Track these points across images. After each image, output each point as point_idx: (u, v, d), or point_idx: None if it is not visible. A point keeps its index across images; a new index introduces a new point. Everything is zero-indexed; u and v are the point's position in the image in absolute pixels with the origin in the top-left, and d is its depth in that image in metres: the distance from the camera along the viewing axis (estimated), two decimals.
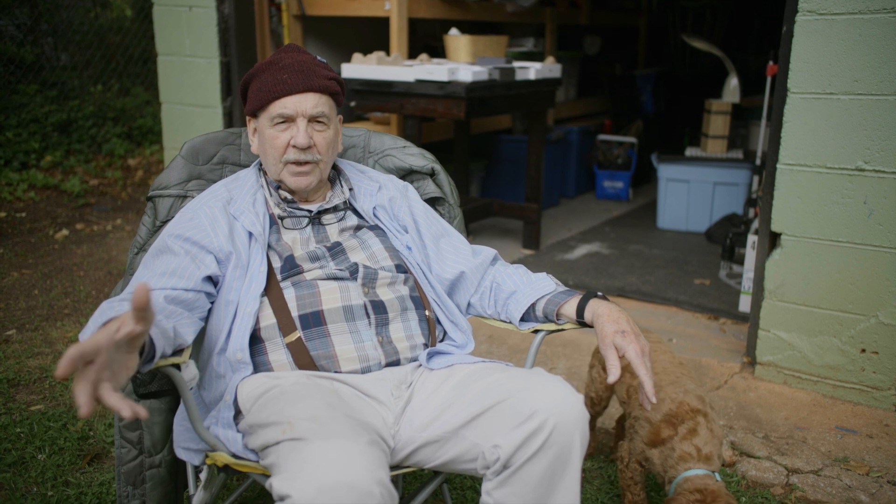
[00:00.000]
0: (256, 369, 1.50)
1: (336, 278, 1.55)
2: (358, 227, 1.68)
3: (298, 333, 1.49)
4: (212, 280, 1.52)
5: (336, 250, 1.61)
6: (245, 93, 1.66)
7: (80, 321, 3.24)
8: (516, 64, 3.87)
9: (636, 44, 6.84)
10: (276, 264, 1.56)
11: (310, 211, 1.65)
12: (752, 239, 3.18)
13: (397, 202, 1.74)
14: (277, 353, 1.50)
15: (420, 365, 1.56)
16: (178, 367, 1.37)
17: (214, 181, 1.77)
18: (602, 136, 5.66)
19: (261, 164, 1.71)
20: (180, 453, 1.52)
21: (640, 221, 5.03)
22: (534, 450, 1.30)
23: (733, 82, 4.82)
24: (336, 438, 1.23)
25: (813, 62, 2.49)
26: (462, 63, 3.79)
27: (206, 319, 1.53)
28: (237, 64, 3.99)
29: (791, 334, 2.71)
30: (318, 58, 1.67)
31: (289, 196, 1.64)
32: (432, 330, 1.62)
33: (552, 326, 1.62)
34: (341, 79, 1.66)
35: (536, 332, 1.64)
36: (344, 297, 1.53)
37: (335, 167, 1.75)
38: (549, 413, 1.31)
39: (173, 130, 4.31)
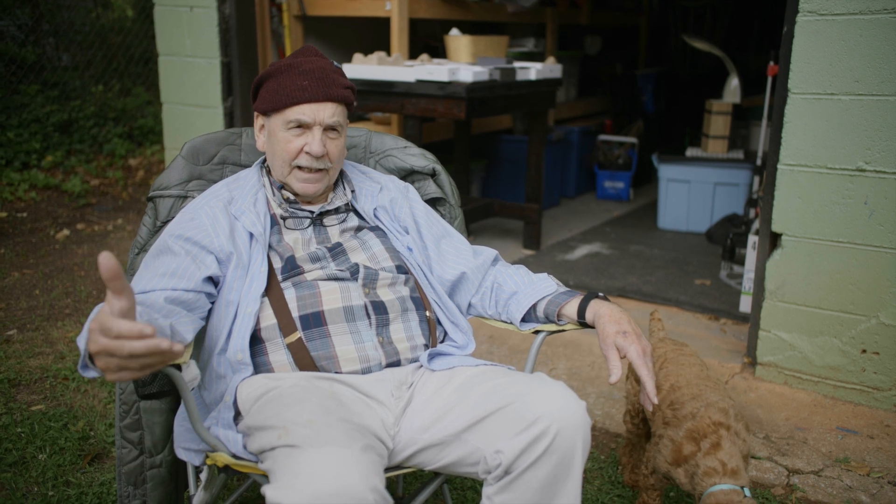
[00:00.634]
0: (257, 370, 1.50)
1: (337, 279, 1.55)
2: (359, 228, 1.68)
3: (299, 334, 1.49)
4: (212, 280, 1.52)
5: (337, 251, 1.61)
6: (257, 89, 1.65)
7: (81, 321, 3.24)
8: (517, 64, 3.87)
9: (637, 44, 6.84)
10: (277, 265, 1.56)
11: (312, 212, 1.65)
12: (752, 239, 3.18)
13: (398, 203, 1.74)
14: (278, 353, 1.50)
15: (421, 366, 1.57)
16: (178, 367, 1.37)
17: (215, 181, 1.77)
18: (603, 137, 5.66)
19: (262, 164, 1.71)
20: (181, 454, 1.52)
21: (641, 222, 5.03)
22: (536, 456, 1.30)
23: (734, 82, 4.82)
24: (330, 445, 1.23)
25: (814, 62, 2.49)
26: (463, 63, 3.79)
27: (207, 320, 1.53)
28: (238, 64, 3.99)
29: (792, 335, 2.71)
30: (335, 63, 1.66)
31: (291, 196, 1.64)
32: (433, 330, 1.62)
33: (553, 327, 1.62)
34: (354, 86, 1.67)
35: (537, 332, 1.64)
36: (344, 297, 1.53)
37: None
38: (552, 419, 1.30)
39: (174, 130, 4.31)
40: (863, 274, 2.54)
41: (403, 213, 1.73)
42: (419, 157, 1.92)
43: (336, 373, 1.48)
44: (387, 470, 1.39)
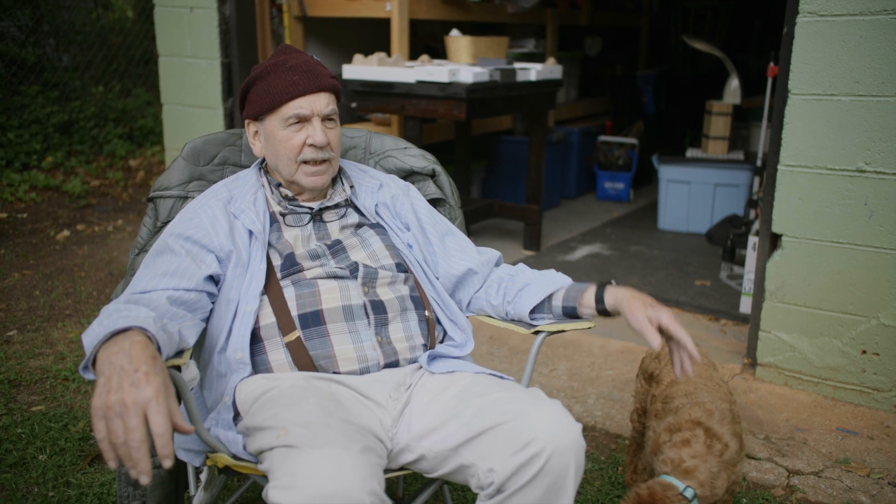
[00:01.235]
0: (256, 369, 1.50)
1: (336, 277, 1.55)
2: (359, 225, 1.68)
3: (298, 333, 1.49)
4: (213, 279, 1.52)
5: (336, 248, 1.61)
6: (244, 97, 1.65)
7: (82, 322, 3.24)
8: (517, 65, 3.87)
9: (637, 44, 6.84)
10: (277, 262, 1.56)
11: (311, 208, 1.65)
12: (752, 240, 3.18)
13: (399, 200, 1.75)
14: (276, 352, 1.50)
15: (420, 367, 1.57)
16: (178, 368, 1.37)
17: (215, 182, 1.77)
18: (603, 137, 5.66)
19: (260, 164, 1.71)
20: (181, 454, 1.52)
21: (641, 222, 5.03)
22: (528, 477, 1.30)
23: (734, 83, 4.82)
24: (328, 447, 1.23)
25: (814, 63, 2.49)
26: (463, 64, 3.79)
27: (207, 319, 1.53)
28: (238, 65, 3.99)
29: (792, 335, 2.71)
30: (314, 57, 1.68)
31: (289, 193, 1.65)
32: (432, 330, 1.62)
33: (554, 327, 1.62)
34: (337, 75, 1.68)
35: (537, 332, 1.64)
36: (344, 296, 1.53)
37: None
38: (547, 441, 1.30)
39: (174, 131, 4.31)
40: (863, 275, 2.54)
41: (405, 209, 1.73)
42: (419, 158, 1.93)
43: (334, 373, 1.48)
44: (385, 472, 1.39)
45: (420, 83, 3.49)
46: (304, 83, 1.58)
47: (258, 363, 1.50)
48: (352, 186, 1.73)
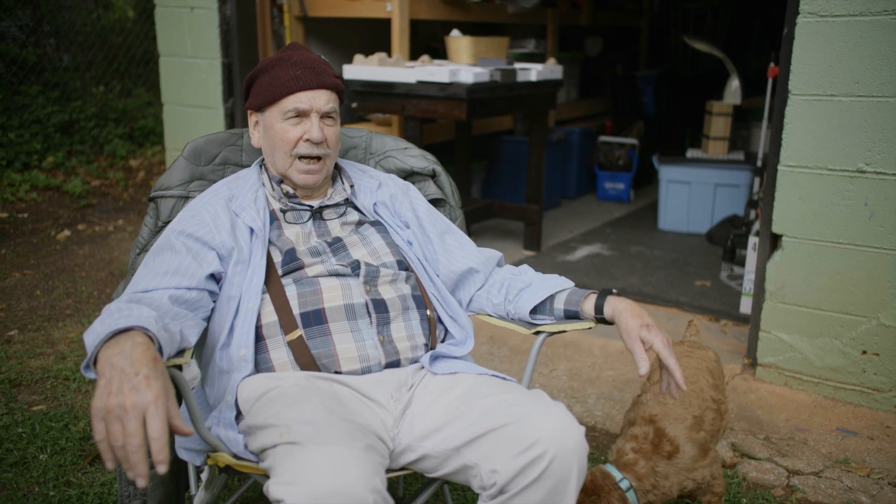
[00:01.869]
0: (257, 367, 1.51)
1: (338, 275, 1.56)
2: (359, 223, 1.69)
3: (300, 332, 1.49)
4: (214, 278, 1.52)
5: (337, 246, 1.61)
6: (249, 88, 1.68)
7: (82, 321, 3.24)
8: (517, 65, 3.87)
9: (637, 45, 6.84)
10: (277, 259, 1.57)
11: (311, 206, 1.66)
12: (752, 240, 3.18)
13: (398, 199, 1.75)
14: (278, 350, 1.50)
15: (422, 367, 1.57)
16: (179, 367, 1.37)
17: (216, 182, 1.77)
18: (603, 138, 5.67)
19: (261, 163, 1.72)
20: (182, 454, 1.52)
21: (641, 223, 5.04)
22: (531, 479, 1.30)
23: (734, 84, 4.82)
24: (332, 444, 1.24)
25: (814, 64, 2.50)
26: (463, 64, 3.79)
27: (209, 318, 1.53)
28: (239, 65, 4.00)
29: (792, 336, 2.71)
30: (322, 57, 1.69)
31: (290, 191, 1.66)
32: (433, 330, 1.62)
33: (554, 327, 1.63)
34: (341, 76, 1.70)
35: (538, 333, 1.64)
36: (345, 295, 1.53)
37: (336, 165, 1.76)
38: (550, 443, 1.31)
39: (175, 131, 4.32)
40: (863, 275, 2.54)
41: (404, 208, 1.74)
42: (419, 159, 1.93)
43: (336, 372, 1.49)
44: (386, 471, 1.39)
45: (420, 83, 3.49)
46: (306, 78, 1.60)
47: (260, 361, 1.51)
48: (352, 186, 1.74)
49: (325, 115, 1.63)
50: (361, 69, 3.64)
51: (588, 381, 2.82)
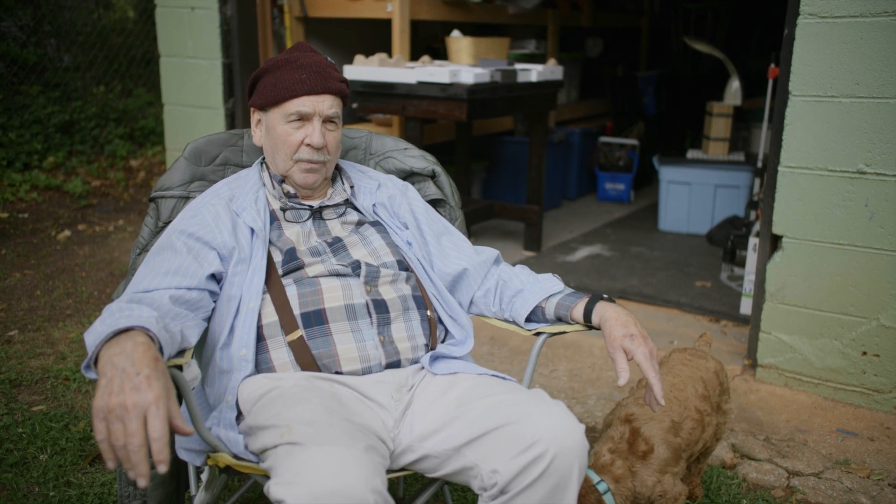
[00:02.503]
0: (258, 368, 1.51)
1: (338, 275, 1.56)
2: (359, 223, 1.69)
3: (300, 332, 1.50)
4: (215, 278, 1.52)
5: (337, 246, 1.62)
6: (253, 86, 1.68)
7: (82, 322, 3.24)
8: (518, 66, 3.87)
9: (638, 45, 6.85)
10: (278, 258, 1.57)
11: (311, 206, 1.66)
12: (753, 241, 3.18)
13: (397, 200, 1.76)
14: (279, 351, 1.50)
15: (422, 367, 1.57)
16: (179, 367, 1.37)
17: (217, 182, 1.78)
18: (603, 138, 5.67)
19: (262, 162, 1.72)
20: (182, 454, 1.52)
21: (642, 223, 5.04)
22: (532, 478, 1.30)
23: (735, 84, 4.82)
24: (332, 445, 1.24)
25: (814, 65, 2.50)
26: (464, 65, 3.79)
27: (209, 318, 1.53)
28: (239, 65, 4.00)
29: (792, 337, 2.71)
30: (328, 59, 1.69)
31: (291, 191, 1.66)
32: (433, 330, 1.62)
33: (555, 328, 1.63)
34: (347, 80, 1.70)
35: (538, 334, 1.64)
36: (346, 295, 1.54)
37: (336, 166, 1.77)
38: (551, 443, 1.31)
39: (175, 132, 4.32)
40: (863, 276, 2.54)
41: (402, 209, 1.74)
42: (419, 159, 1.93)
43: (336, 372, 1.49)
44: (387, 472, 1.39)
45: (421, 84, 3.49)
46: (310, 82, 1.60)
47: (260, 362, 1.51)
48: (352, 186, 1.74)
49: (327, 120, 1.63)
50: (362, 70, 3.64)
51: (588, 381, 2.82)
